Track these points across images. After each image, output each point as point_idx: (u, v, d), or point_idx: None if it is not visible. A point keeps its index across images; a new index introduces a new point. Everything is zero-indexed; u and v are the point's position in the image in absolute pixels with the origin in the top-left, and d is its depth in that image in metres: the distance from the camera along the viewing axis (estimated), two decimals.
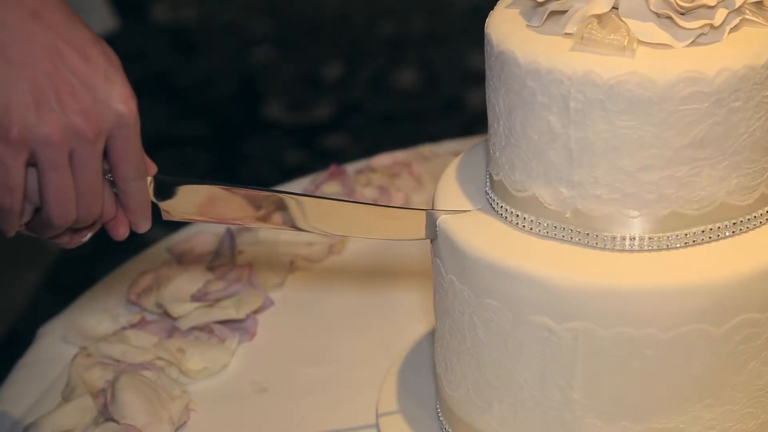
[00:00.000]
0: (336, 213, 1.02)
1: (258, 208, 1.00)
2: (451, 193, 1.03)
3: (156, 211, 0.98)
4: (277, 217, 1.01)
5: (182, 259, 1.34)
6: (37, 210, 0.94)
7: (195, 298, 1.25)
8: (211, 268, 1.30)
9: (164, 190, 0.98)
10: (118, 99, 0.91)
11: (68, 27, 0.90)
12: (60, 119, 0.89)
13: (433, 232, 1.01)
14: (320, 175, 1.48)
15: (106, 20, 2.38)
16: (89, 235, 0.98)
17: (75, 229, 0.97)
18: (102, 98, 0.90)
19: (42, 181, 0.91)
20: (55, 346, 1.24)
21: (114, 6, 2.51)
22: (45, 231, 0.95)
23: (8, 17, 0.88)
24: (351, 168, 1.49)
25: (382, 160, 1.50)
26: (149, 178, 0.97)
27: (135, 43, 3.20)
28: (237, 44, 3.39)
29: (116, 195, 0.96)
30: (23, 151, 0.89)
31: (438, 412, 1.09)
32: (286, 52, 3.34)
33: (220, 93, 3.19)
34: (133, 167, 0.94)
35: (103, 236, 1.00)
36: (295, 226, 1.01)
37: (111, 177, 0.95)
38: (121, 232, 0.97)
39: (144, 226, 0.98)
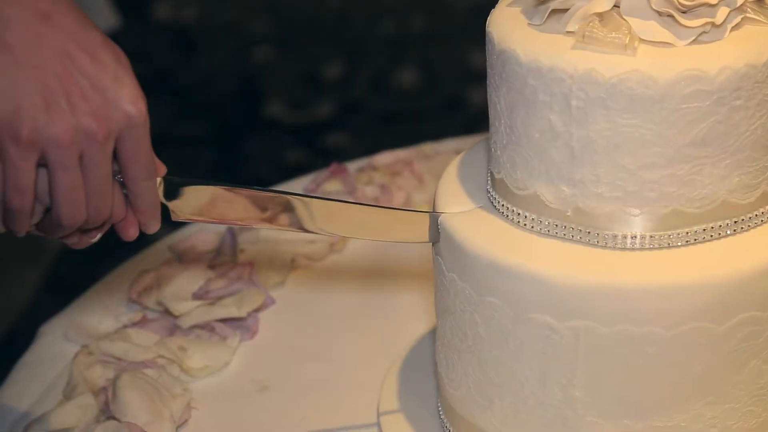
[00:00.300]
0: (342, 215, 1.02)
1: (265, 209, 1.01)
2: (452, 192, 1.03)
3: (165, 212, 0.99)
4: (285, 218, 1.01)
5: (183, 258, 1.34)
6: (47, 210, 0.94)
7: (196, 296, 1.25)
8: (212, 267, 1.30)
9: (173, 190, 0.98)
10: (128, 100, 0.91)
11: (78, 29, 0.91)
12: (70, 120, 0.89)
13: (436, 235, 1.01)
14: (321, 174, 1.48)
15: (108, 19, 2.38)
16: (99, 236, 0.98)
17: (84, 230, 0.97)
18: (112, 99, 0.91)
19: (52, 181, 0.91)
20: (57, 344, 1.24)
21: (115, 5, 2.52)
22: (55, 231, 0.95)
23: (18, 19, 0.89)
24: (352, 166, 1.49)
25: (384, 158, 1.50)
26: (159, 179, 0.97)
27: (136, 42, 3.20)
28: (238, 43, 3.39)
29: (126, 196, 0.96)
30: (33, 152, 0.89)
31: (439, 411, 1.09)
32: (286, 52, 3.34)
33: (220, 92, 3.19)
34: (143, 168, 0.94)
35: (104, 235, 1.00)
36: (302, 228, 1.01)
37: (121, 178, 0.95)
38: (130, 233, 0.98)
39: (153, 226, 0.98)
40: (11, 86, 0.88)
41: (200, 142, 2.96)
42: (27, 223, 0.94)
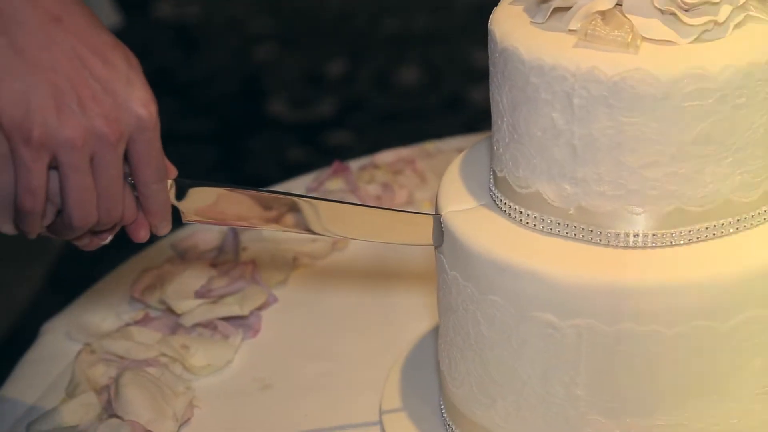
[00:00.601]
0: (349, 217, 1.03)
1: (276, 212, 1.01)
2: (454, 190, 1.03)
3: (175, 213, 0.99)
4: (298, 221, 1.01)
5: (186, 256, 1.34)
6: (59, 212, 0.94)
7: (198, 294, 1.25)
8: (214, 265, 1.30)
9: (184, 192, 0.99)
10: (139, 103, 0.92)
11: (89, 31, 0.91)
12: (81, 122, 0.90)
13: (440, 238, 1.01)
14: (324, 172, 1.48)
15: (110, 17, 2.38)
16: (110, 238, 0.99)
17: (95, 232, 0.97)
18: (123, 102, 0.91)
19: (63, 183, 0.92)
20: (59, 342, 1.24)
21: (118, 2, 2.52)
22: (66, 233, 0.95)
23: (30, 22, 0.89)
24: (354, 165, 1.49)
25: (386, 156, 1.50)
26: (169, 181, 0.97)
27: (138, 40, 3.20)
28: (240, 41, 3.39)
29: (137, 198, 0.96)
30: (45, 153, 0.90)
31: (441, 409, 1.09)
32: (289, 50, 3.34)
33: (223, 90, 3.19)
34: (154, 170, 0.95)
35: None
36: (310, 230, 1.01)
37: (132, 180, 0.95)
38: (141, 235, 0.98)
39: (164, 228, 0.98)
40: (22, 88, 0.88)
41: (202, 140, 2.96)
42: (38, 225, 0.94)
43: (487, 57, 0.99)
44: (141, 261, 1.36)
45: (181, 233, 1.40)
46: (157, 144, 0.94)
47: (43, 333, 1.27)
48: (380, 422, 1.11)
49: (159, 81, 3.16)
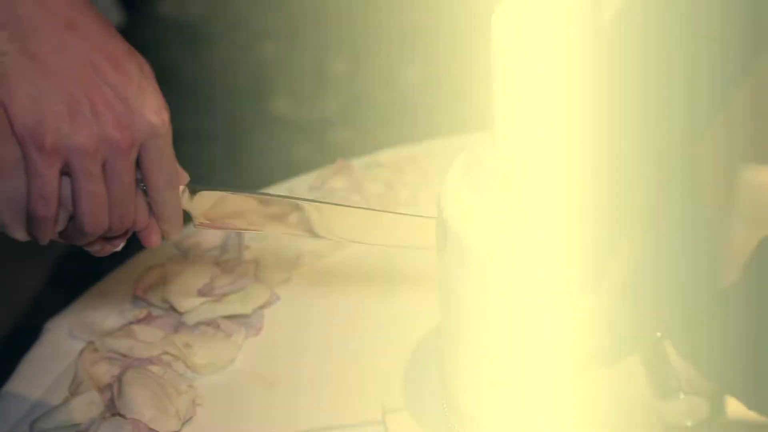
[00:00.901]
0: (363, 222, 1.03)
1: (289, 215, 1.01)
2: (457, 189, 1.03)
3: (187, 217, 0.99)
4: (310, 225, 1.01)
5: (188, 254, 1.34)
6: (71, 218, 0.94)
7: (201, 293, 1.25)
8: (217, 263, 1.30)
9: (196, 198, 0.99)
10: (151, 110, 0.92)
11: (103, 38, 0.91)
12: (94, 129, 0.90)
13: (443, 240, 1.01)
14: (327, 170, 1.47)
15: (112, 14, 2.38)
16: (122, 245, 0.99)
17: (108, 238, 0.97)
18: (135, 109, 0.91)
19: (75, 189, 0.92)
20: (62, 341, 1.24)
21: (119, 0, 2.51)
22: (78, 239, 0.96)
23: (43, 28, 0.89)
24: (357, 163, 1.49)
25: (389, 155, 1.50)
26: (181, 187, 0.97)
27: (141, 38, 3.20)
28: (243, 39, 3.39)
29: (148, 204, 0.96)
30: (57, 160, 0.90)
31: (444, 408, 1.09)
32: (292, 47, 3.34)
33: (225, 88, 3.19)
34: (166, 177, 0.95)
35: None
36: (318, 235, 1.01)
37: (144, 186, 0.95)
38: (153, 241, 0.98)
39: (175, 233, 0.99)
40: (35, 94, 0.88)
41: (205, 137, 2.96)
42: (51, 231, 0.94)
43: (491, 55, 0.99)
44: (144, 259, 1.36)
45: (184, 232, 1.39)
46: (169, 151, 0.95)
47: (45, 331, 1.27)
48: (383, 421, 1.11)
49: (161, 79, 3.16)
